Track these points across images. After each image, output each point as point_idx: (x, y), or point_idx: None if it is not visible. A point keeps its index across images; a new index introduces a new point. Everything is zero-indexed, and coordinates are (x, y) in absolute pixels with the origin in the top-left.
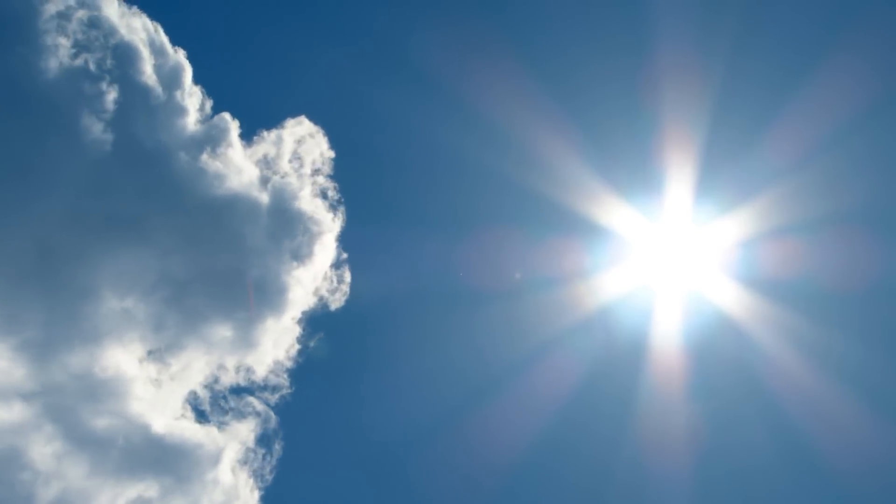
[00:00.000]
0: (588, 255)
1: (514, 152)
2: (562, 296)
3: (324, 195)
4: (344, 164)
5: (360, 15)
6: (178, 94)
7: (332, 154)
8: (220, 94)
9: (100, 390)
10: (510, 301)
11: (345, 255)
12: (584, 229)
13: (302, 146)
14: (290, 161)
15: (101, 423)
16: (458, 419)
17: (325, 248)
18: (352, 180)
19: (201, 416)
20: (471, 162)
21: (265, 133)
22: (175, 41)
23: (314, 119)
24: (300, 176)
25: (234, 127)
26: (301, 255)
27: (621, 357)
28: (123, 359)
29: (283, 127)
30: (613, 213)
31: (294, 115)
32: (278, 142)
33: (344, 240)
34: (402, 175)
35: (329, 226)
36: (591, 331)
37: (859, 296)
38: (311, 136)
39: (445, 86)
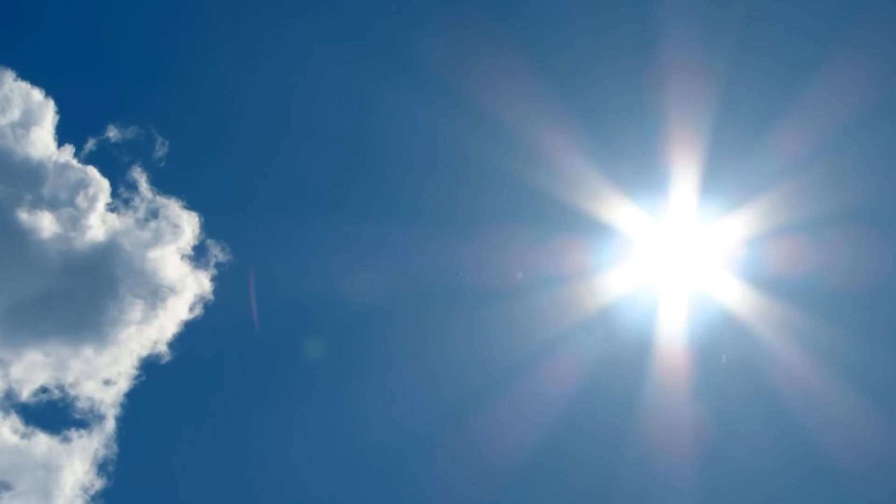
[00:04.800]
0: (592, 253)
1: (517, 150)
2: (565, 295)
3: (186, 200)
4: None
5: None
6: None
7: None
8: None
9: None
10: (512, 300)
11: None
12: (588, 228)
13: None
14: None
15: None
16: (459, 421)
17: (183, 261)
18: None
19: (41, 429)
20: (472, 159)
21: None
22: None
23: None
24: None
25: (69, 151)
26: (149, 273)
27: (625, 356)
28: None
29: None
30: (617, 211)
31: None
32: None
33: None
34: (400, 173)
35: (189, 234)
36: (595, 330)
37: (866, 295)
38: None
39: (446, 82)
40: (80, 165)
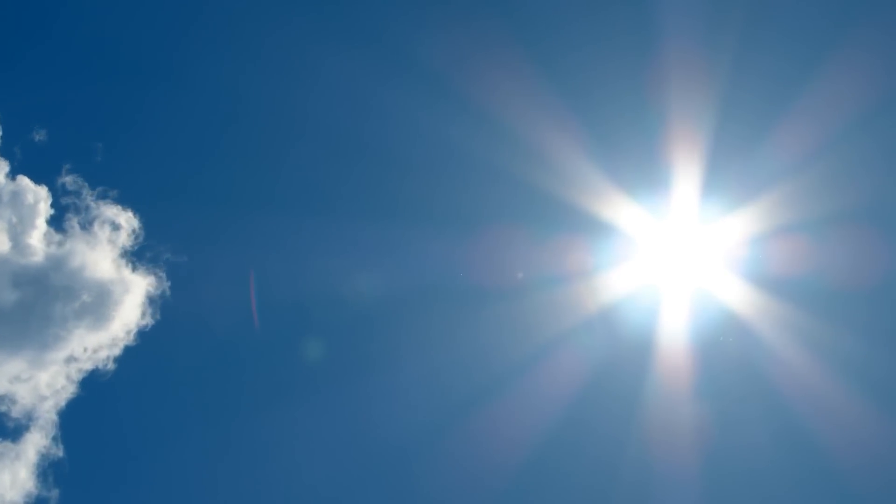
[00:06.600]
0: (593, 253)
1: (518, 149)
2: (566, 294)
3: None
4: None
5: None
6: None
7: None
8: None
9: None
10: (513, 300)
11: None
12: (590, 227)
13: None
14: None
15: None
16: (460, 421)
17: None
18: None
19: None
20: (473, 159)
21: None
22: None
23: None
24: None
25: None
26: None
27: (627, 356)
28: None
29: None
30: (619, 210)
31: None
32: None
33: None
34: (400, 173)
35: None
36: (597, 329)
37: (868, 294)
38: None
39: (446, 82)
40: (10, 178)
